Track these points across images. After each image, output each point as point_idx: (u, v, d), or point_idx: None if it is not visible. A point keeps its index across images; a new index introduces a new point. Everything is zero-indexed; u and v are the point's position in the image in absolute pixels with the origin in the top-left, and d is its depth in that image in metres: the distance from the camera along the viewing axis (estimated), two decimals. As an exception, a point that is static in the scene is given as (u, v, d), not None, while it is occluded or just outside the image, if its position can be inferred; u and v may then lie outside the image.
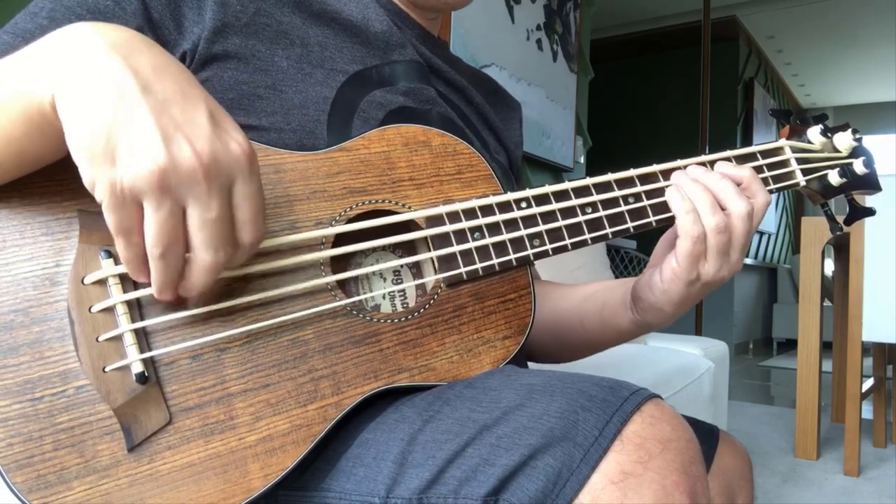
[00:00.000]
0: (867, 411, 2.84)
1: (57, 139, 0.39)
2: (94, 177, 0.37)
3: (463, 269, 0.54)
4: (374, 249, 0.57)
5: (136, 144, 0.37)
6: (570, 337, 0.75)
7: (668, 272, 0.59)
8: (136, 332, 0.44)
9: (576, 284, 0.78)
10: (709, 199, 0.57)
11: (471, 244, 0.54)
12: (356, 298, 0.52)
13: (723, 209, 0.57)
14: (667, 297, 0.60)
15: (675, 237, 0.58)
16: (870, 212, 0.69)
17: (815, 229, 2.34)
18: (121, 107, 0.37)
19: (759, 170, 0.64)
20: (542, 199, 0.57)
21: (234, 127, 0.41)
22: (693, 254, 0.57)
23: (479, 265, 0.54)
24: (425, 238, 0.54)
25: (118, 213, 0.38)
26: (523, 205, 0.56)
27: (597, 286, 0.74)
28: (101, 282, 0.44)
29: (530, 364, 0.76)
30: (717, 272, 0.58)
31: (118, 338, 0.43)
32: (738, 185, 0.59)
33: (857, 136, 0.68)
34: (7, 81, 0.41)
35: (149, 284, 0.42)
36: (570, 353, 0.78)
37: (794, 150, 0.67)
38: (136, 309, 0.44)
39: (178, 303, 0.45)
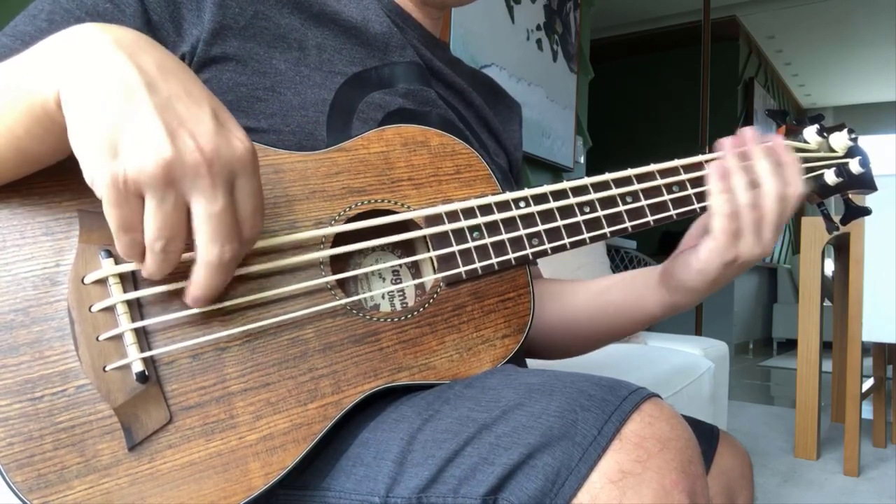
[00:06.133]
0: (867, 411, 2.84)
1: (60, 138, 0.39)
2: (96, 172, 0.37)
3: (462, 269, 0.54)
4: (373, 249, 0.57)
5: (141, 138, 0.37)
6: (589, 328, 0.74)
7: (704, 251, 0.59)
8: (137, 331, 0.44)
9: (587, 280, 0.78)
10: (743, 179, 0.57)
11: (470, 244, 0.54)
12: (356, 297, 0.52)
13: (756, 185, 0.58)
14: (702, 277, 0.60)
15: (709, 219, 0.58)
16: (865, 211, 0.69)
17: (815, 229, 2.34)
18: (126, 102, 0.37)
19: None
20: (540, 199, 0.57)
21: (237, 125, 0.41)
22: (729, 230, 0.57)
23: (478, 264, 0.54)
24: (424, 238, 0.54)
25: (120, 209, 0.38)
26: (522, 204, 0.56)
27: (613, 279, 0.74)
28: (101, 281, 0.44)
29: (532, 362, 0.76)
30: (752, 250, 0.58)
31: (118, 337, 0.43)
32: (778, 165, 0.59)
33: (853, 135, 0.68)
34: (12, 79, 0.41)
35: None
36: (587, 346, 0.78)
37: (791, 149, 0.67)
38: (137, 308, 0.44)
39: (178, 299, 0.45)
